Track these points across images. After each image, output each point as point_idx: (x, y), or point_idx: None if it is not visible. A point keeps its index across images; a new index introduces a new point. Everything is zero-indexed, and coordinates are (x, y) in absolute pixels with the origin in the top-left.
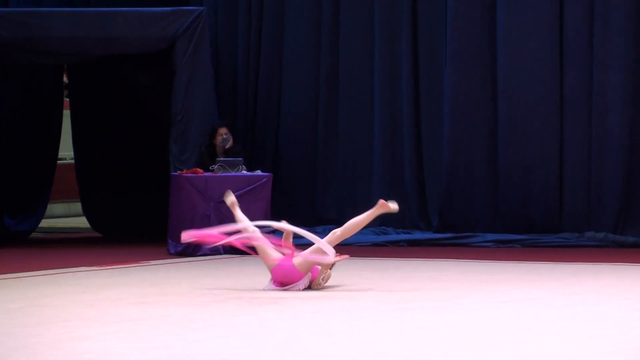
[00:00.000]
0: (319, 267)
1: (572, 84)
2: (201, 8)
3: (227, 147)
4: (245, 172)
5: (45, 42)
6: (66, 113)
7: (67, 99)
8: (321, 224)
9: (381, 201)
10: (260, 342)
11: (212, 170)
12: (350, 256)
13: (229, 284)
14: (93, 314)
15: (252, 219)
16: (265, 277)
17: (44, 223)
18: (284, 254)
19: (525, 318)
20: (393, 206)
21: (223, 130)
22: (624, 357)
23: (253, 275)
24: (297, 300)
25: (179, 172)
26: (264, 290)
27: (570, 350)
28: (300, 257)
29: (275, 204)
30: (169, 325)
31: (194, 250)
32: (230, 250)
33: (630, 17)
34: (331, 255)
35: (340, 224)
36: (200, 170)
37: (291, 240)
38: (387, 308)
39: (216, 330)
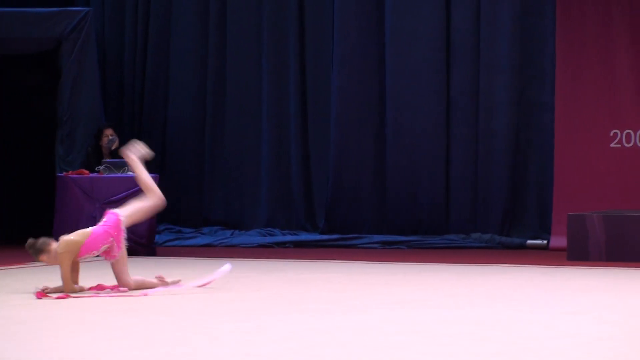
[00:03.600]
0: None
1: (459, 86)
2: (87, 9)
3: (113, 148)
4: (131, 173)
5: None
6: None
7: None
8: (208, 224)
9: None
10: (147, 344)
11: (98, 172)
12: (235, 257)
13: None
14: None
15: None
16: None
17: None
18: None
19: (412, 320)
20: None
21: (109, 132)
22: (510, 359)
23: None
24: (184, 301)
25: (64, 173)
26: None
27: (457, 351)
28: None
29: None
30: (54, 327)
31: None
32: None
33: (515, 18)
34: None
35: (227, 225)
36: (86, 172)
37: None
38: (274, 310)
39: (98, 332)
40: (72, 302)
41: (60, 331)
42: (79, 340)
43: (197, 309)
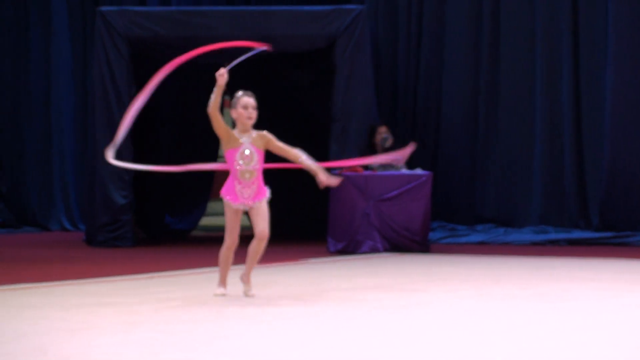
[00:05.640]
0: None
1: None
2: (361, 7)
3: (386, 146)
4: (405, 170)
5: (203, 41)
6: (226, 111)
7: (227, 97)
8: (481, 222)
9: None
10: (403, 342)
11: (373, 169)
12: (508, 255)
13: (385, 282)
14: (251, 312)
15: (411, 218)
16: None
17: (205, 221)
18: None
19: None
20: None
21: (382, 129)
22: None
23: (410, 274)
24: (453, 302)
25: (339, 170)
26: None
27: None
28: None
29: (434, 203)
30: (322, 323)
31: (354, 248)
32: (391, 248)
33: None
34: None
35: (499, 223)
36: (361, 169)
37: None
38: (532, 306)
39: (365, 330)
40: (341, 299)
41: (326, 326)
42: (347, 335)
43: (466, 307)
